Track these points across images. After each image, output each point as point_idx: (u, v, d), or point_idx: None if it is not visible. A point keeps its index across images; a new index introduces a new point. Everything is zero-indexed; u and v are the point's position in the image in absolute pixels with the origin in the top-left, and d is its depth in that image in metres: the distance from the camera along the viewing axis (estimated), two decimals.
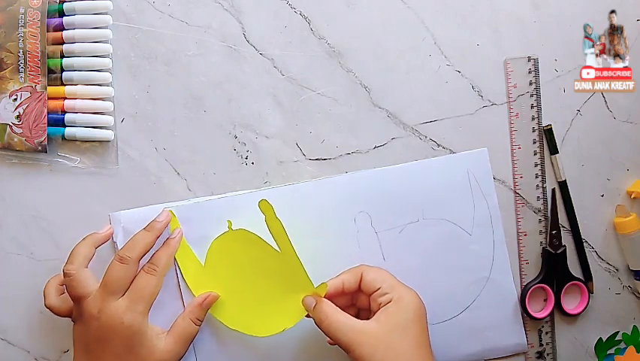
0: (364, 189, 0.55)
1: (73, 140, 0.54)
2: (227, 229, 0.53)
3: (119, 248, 0.52)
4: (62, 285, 0.52)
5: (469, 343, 0.55)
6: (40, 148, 0.53)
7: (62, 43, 0.53)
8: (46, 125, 0.53)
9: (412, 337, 0.47)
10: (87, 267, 0.50)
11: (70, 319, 0.51)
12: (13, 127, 0.53)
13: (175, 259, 0.53)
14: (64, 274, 0.50)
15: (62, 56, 0.53)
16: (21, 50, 0.52)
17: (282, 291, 0.51)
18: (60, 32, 0.53)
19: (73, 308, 0.50)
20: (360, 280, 0.50)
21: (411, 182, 0.55)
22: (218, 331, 0.54)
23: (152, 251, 0.51)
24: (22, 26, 0.52)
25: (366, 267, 0.51)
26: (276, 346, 0.54)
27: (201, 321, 0.52)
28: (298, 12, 0.56)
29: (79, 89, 0.53)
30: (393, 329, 0.46)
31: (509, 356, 0.57)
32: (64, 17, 0.53)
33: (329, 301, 0.49)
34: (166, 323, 0.51)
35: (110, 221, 0.54)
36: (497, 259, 0.56)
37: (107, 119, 0.54)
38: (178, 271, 0.53)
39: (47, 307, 0.51)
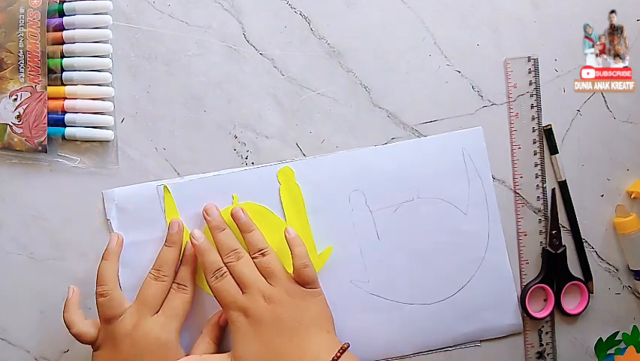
0: (359, 167, 0.55)
1: (74, 140, 0.54)
2: (232, 204, 0.54)
3: (113, 225, 0.53)
4: (78, 307, 0.51)
5: (465, 323, 0.55)
6: (40, 148, 0.53)
7: (62, 43, 0.53)
8: (46, 125, 0.53)
9: None
10: (119, 285, 0.51)
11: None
12: (14, 127, 0.53)
13: None
14: (100, 295, 0.50)
15: (62, 56, 0.53)
16: (21, 50, 0.52)
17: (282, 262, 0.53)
18: (60, 32, 0.53)
19: (101, 331, 0.50)
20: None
21: (406, 161, 0.55)
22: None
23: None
24: (22, 26, 0.52)
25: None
26: None
27: (220, 340, 0.52)
28: (298, 12, 0.56)
29: (79, 89, 0.53)
30: None
31: (509, 355, 0.57)
32: (64, 17, 0.53)
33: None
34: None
35: (103, 199, 0.54)
36: (492, 238, 0.56)
37: (107, 119, 0.54)
38: None
39: (75, 336, 0.50)
